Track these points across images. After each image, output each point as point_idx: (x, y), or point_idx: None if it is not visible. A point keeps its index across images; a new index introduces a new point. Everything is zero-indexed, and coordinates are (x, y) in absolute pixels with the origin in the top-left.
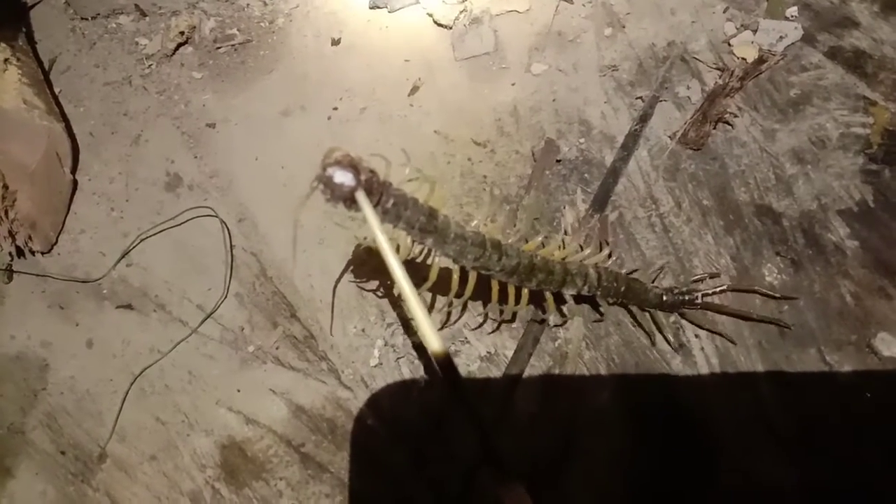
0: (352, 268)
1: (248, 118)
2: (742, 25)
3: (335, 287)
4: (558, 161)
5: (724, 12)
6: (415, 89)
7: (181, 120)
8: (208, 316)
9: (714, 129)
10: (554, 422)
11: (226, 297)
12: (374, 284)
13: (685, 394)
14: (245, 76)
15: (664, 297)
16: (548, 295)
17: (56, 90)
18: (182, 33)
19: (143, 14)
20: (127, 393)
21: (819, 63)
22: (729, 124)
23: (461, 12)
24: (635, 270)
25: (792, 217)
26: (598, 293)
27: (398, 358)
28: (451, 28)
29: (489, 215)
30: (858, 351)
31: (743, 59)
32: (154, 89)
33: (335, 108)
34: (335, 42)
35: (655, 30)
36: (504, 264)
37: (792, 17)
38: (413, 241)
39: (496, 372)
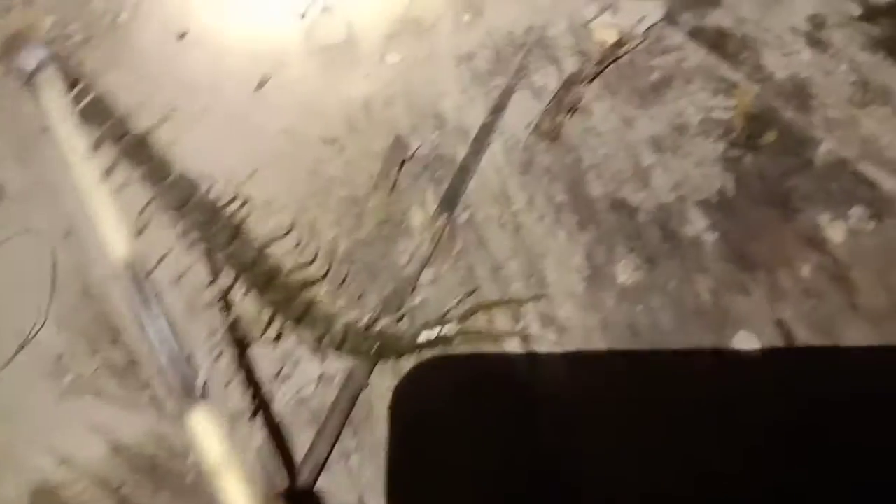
0: None
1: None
2: (602, 7)
3: None
4: (409, 158)
5: None
6: (262, 84)
7: (12, 126)
8: (22, 346)
9: (570, 118)
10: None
11: (45, 321)
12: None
13: (534, 395)
14: (83, 77)
15: (419, 339)
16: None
17: None
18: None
19: None
20: None
21: (681, 44)
22: (585, 113)
23: (313, 0)
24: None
25: (648, 210)
26: (345, 352)
27: (226, 384)
28: (303, 16)
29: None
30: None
31: (602, 42)
32: None
33: (174, 109)
34: (181, 36)
35: (515, 14)
36: (234, 251)
37: None
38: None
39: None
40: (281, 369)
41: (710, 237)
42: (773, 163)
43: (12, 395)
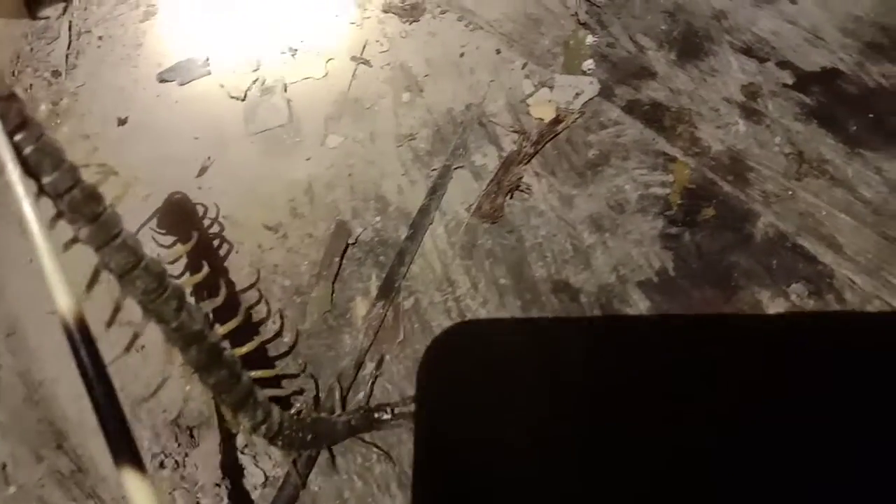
0: None
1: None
2: (539, 83)
3: None
4: (352, 244)
5: (523, 68)
6: (204, 169)
7: None
8: None
9: (510, 198)
10: None
11: None
12: None
13: None
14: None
15: (352, 422)
16: (223, 409)
17: None
18: None
19: None
20: None
21: (617, 118)
22: (525, 192)
23: (253, 82)
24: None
25: (590, 292)
26: (279, 443)
27: (172, 490)
28: (243, 99)
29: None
30: None
31: (540, 119)
32: None
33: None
34: (122, 122)
35: (454, 92)
36: (183, 322)
37: (589, 70)
38: (56, 217)
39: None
40: (223, 476)
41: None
42: (711, 239)
43: None
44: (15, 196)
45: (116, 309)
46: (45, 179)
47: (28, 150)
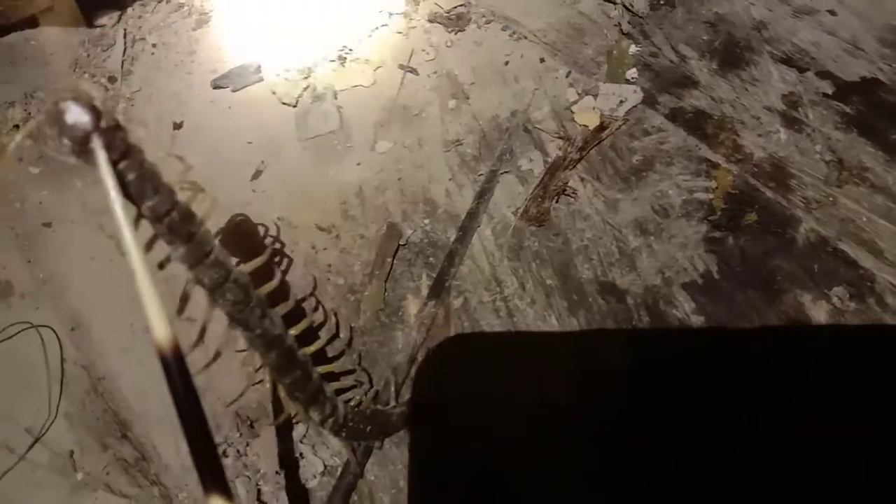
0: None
1: (86, 215)
2: (583, 91)
3: None
4: (402, 245)
5: (567, 77)
6: (258, 173)
7: (16, 220)
8: (36, 441)
9: (556, 202)
10: None
11: (55, 417)
12: None
13: None
14: (85, 169)
15: (406, 414)
16: (295, 405)
17: None
18: (18, 126)
19: None
20: None
21: (661, 126)
22: (571, 197)
23: (304, 89)
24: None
25: (636, 294)
26: (343, 435)
27: (234, 478)
28: (294, 106)
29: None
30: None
31: (584, 126)
32: None
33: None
34: (177, 126)
35: (499, 99)
36: (266, 328)
37: (632, 79)
38: (153, 240)
39: None
40: (283, 465)
41: (697, 320)
42: (754, 243)
43: (25, 493)
44: (117, 223)
45: (204, 325)
46: (147, 204)
47: (131, 176)
